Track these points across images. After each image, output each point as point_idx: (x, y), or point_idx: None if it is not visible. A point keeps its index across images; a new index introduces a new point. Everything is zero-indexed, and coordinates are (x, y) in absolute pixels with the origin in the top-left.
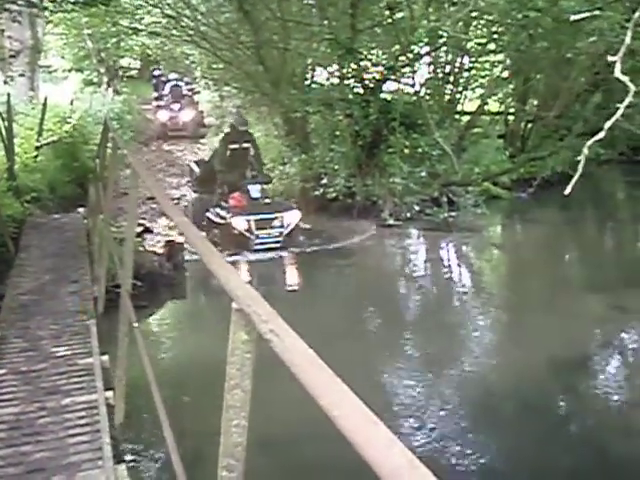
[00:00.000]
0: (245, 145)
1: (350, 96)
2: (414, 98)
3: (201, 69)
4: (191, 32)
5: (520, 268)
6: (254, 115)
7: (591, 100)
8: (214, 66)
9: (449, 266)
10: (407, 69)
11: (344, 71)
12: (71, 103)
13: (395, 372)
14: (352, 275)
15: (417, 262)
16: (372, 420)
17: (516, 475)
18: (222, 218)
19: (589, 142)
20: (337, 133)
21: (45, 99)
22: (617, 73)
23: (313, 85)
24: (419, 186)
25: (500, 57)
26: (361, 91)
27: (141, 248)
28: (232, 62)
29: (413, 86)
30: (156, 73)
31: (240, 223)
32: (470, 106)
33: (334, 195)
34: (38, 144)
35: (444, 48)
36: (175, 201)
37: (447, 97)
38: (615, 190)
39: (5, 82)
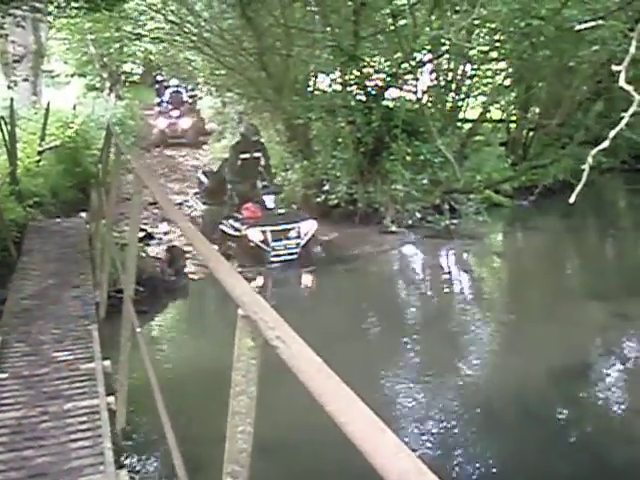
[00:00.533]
0: (256, 155)
1: (352, 103)
2: (416, 105)
3: (204, 75)
4: (194, 38)
5: (522, 276)
6: (256, 121)
7: (593, 108)
8: (217, 72)
9: (450, 273)
10: (409, 76)
11: (346, 78)
12: (74, 108)
13: (399, 378)
14: (359, 281)
15: (419, 269)
16: (379, 427)
17: None
18: (236, 230)
19: (593, 151)
20: (339, 140)
21: (48, 104)
22: (622, 82)
23: (316, 92)
24: (421, 193)
25: (502, 65)
26: (363, 98)
27: (143, 253)
28: (235, 68)
29: (415, 93)
30: (159, 78)
31: (256, 235)
32: (472, 114)
33: (336, 202)
34: (40, 149)
35: (446, 56)
36: (177, 207)
37: (449, 105)
38: (617, 198)
39: (8, 87)
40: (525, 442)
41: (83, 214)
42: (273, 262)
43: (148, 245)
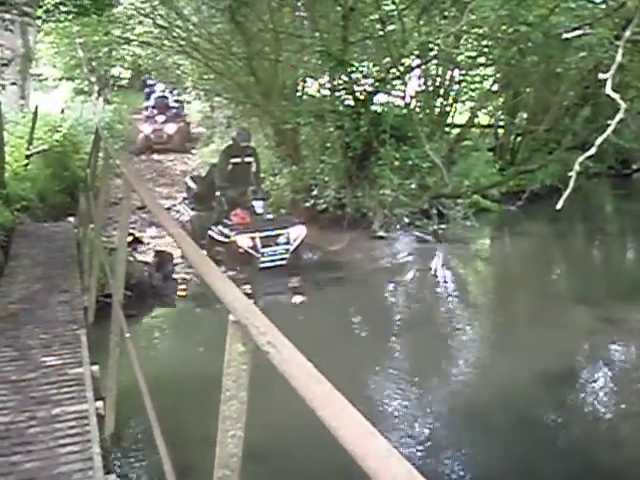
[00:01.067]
0: (247, 160)
1: (341, 108)
2: (405, 110)
3: (192, 79)
4: (183, 42)
5: (510, 280)
6: (245, 126)
7: (580, 114)
8: (205, 76)
9: (438, 277)
10: (398, 82)
11: (335, 83)
12: (62, 112)
13: (389, 381)
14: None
15: (407, 273)
16: (370, 431)
17: None
18: (225, 236)
19: (580, 158)
20: (328, 145)
21: (36, 108)
22: (608, 90)
23: (304, 97)
24: (409, 198)
25: (490, 70)
26: (352, 103)
27: (131, 258)
28: (223, 73)
29: (404, 98)
30: (150, 82)
31: (245, 241)
32: (460, 119)
33: (324, 207)
34: (28, 153)
35: (435, 61)
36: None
37: (437, 110)
38: (604, 203)
39: None
40: (513, 445)
41: (71, 218)
42: (262, 268)
43: (136, 250)
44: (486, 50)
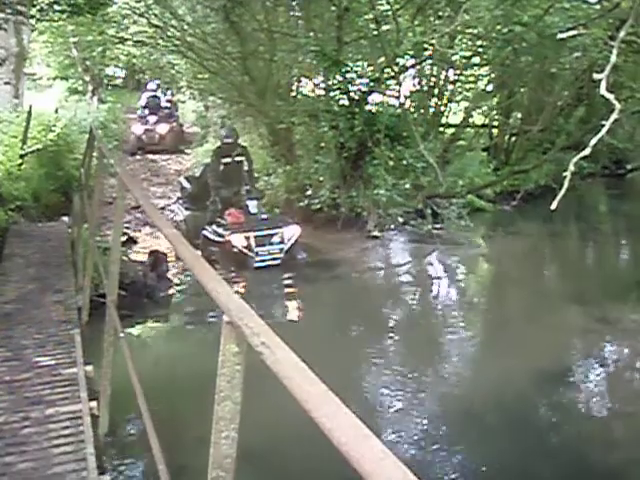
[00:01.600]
0: (238, 159)
1: (335, 108)
2: (399, 110)
3: (187, 79)
4: (177, 42)
5: (504, 280)
6: (239, 126)
7: (574, 114)
8: (200, 76)
9: (433, 277)
10: (392, 81)
11: (330, 83)
12: (56, 111)
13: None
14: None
15: (402, 273)
16: (365, 433)
17: None
18: (219, 235)
19: (574, 159)
20: (322, 144)
21: (30, 107)
22: (603, 91)
23: (299, 96)
24: (403, 198)
25: (485, 70)
26: (346, 103)
27: (125, 258)
28: (218, 72)
29: (398, 98)
30: (152, 85)
31: (239, 240)
32: (455, 119)
33: (319, 206)
34: (22, 152)
35: (429, 61)
36: (160, 211)
37: (432, 110)
38: (598, 203)
39: None
40: (508, 445)
41: (65, 218)
42: (257, 267)
43: (131, 249)
44: (480, 50)
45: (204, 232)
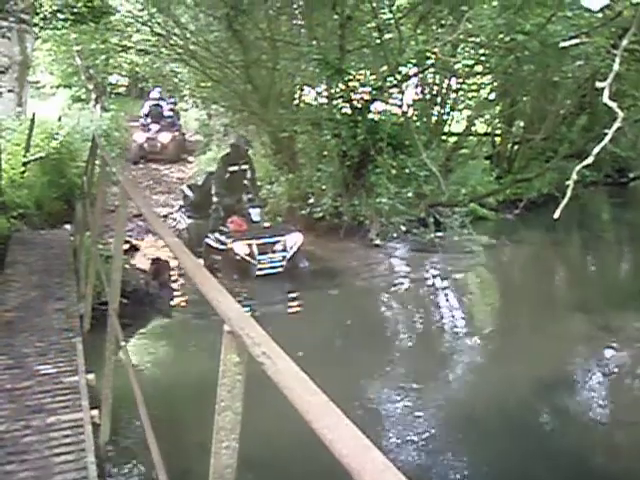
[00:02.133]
0: (243, 167)
1: (338, 116)
2: (402, 119)
3: (189, 87)
4: (180, 50)
5: (507, 288)
6: (242, 134)
7: (577, 122)
8: (202, 84)
9: (436, 286)
10: (395, 90)
11: (332, 91)
12: (59, 119)
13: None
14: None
15: (404, 283)
16: (366, 444)
17: None
18: (222, 243)
19: (577, 167)
20: (325, 153)
21: (33, 115)
22: (605, 99)
23: (301, 105)
24: (406, 207)
25: (487, 79)
26: (349, 111)
27: (127, 266)
28: (221, 81)
29: (401, 107)
30: (156, 94)
31: (241, 248)
32: (457, 127)
33: (321, 215)
34: (25, 160)
35: (432, 69)
36: (162, 219)
37: (434, 118)
38: (601, 212)
39: None
40: (510, 452)
41: (68, 226)
42: (259, 275)
43: (133, 258)
44: (483, 58)
45: (207, 240)
